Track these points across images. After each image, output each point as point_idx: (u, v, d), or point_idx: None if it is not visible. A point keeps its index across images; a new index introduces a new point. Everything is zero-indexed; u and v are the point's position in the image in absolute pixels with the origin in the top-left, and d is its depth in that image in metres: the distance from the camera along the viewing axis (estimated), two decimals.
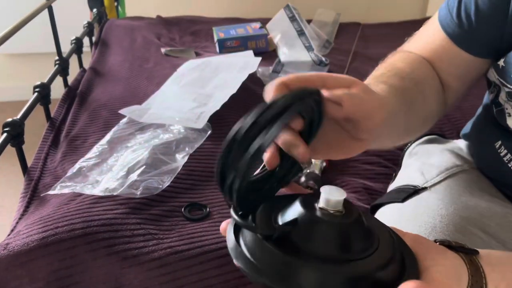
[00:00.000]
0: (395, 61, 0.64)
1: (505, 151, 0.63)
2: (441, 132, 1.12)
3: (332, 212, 0.36)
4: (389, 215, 0.66)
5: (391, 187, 0.77)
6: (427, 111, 0.63)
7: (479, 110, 0.76)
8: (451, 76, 0.67)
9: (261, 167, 0.43)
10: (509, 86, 0.59)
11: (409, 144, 0.83)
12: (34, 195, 0.91)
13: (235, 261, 0.37)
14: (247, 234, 0.38)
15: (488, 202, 0.62)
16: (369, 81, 0.56)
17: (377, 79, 0.55)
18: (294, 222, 0.36)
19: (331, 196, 0.36)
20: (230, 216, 0.39)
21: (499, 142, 0.64)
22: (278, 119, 0.36)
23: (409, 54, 0.67)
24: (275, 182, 0.43)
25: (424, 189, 0.66)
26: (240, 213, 0.39)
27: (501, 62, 0.60)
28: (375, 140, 0.48)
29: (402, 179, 0.74)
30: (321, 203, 0.37)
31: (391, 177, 0.92)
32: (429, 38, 0.68)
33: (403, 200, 0.66)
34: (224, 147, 0.37)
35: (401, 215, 0.63)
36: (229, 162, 0.37)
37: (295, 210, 0.37)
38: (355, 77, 0.46)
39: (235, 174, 0.37)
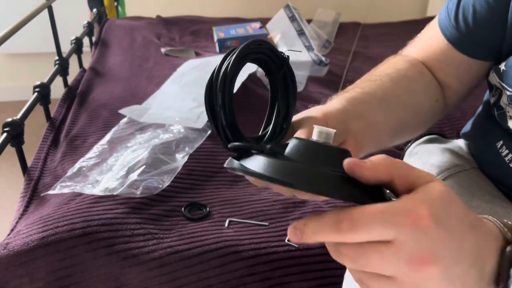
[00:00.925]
0: (378, 66, 0.66)
1: (507, 151, 0.63)
2: (441, 131, 1.12)
3: (322, 142, 0.40)
4: None
5: None
6: (415, 105, 0.63)
7: (480, 109, 0.76)
8: (449, 76, 0.68)
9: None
10: (510, 89, 0.59)
11: (409, 144, 0.83)
12: (34, 195, 0.91)
13: (228, 166, 0.41)
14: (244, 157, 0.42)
15: (488, 203, 0.62)
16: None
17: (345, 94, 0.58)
18: (285, 145, 0.40)
19: (323, 129, 0.40)
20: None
21: (501, 142, 0.64)
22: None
23: (396, 57, 0.69)
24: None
25: None
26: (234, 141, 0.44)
27: (502, 66, 0.60)
28: (362, 146, 0.52)
29: None
30: (314, 136, 0.40)
31: None
32: (428, 40, 0.69)
33: None
34: (205, 92, 0.45)
35: None
36: (213, 103, 0.45)
37: (289, 142, 0.41)
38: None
39: (220, 109, 0.44)
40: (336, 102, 0.54)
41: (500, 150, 0.64)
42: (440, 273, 0.32)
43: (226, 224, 0.80)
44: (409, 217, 0.32)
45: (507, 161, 0.63)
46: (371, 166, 0.34)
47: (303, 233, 0.34)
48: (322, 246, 0.75)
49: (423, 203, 0.32)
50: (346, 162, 0.35)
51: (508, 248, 0.34)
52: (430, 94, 0.67)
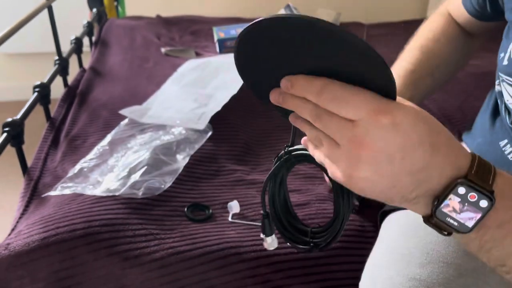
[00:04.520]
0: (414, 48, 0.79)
1: (511, 149, 0.63)
2: None
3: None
4: (403, 222, 0.65)
5: None
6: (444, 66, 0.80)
7: (482, 109, 0.76)
8: (472, 29, 0.80)
9: None
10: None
11: None
12: (34, 195, 0.90)
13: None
14: None
15: None
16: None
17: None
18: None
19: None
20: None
21: (505, 141, 0.64)
22: None
23: (431, 29, 0.81)
24: None
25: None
26: None
27: (504, 59, 0.61)
28: None
29: None
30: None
31: None
32: (455, 7, 0.80)
33: None
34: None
35: (417, 223, 0.62)
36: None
37: None
38: None
39: None
40: None
41: (503, 149, 0.64)
42: (369, 162, 0.39)
43: (230, 218, 0.81)
44: (376, 114, 0.39)
45: (511, 159, 0.62)
46: None
47: (294, 85, 0.42)
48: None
49: (398, 109, 0.39)
50: None
51: (458, 180, 0.39)
52: (458, 48, 0.81)
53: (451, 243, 0.57)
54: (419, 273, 0.53)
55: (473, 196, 0.39)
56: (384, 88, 0.40)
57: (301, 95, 0.42)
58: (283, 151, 0.57)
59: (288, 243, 0.59)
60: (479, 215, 0.39)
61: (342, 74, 0.40)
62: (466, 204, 0.39)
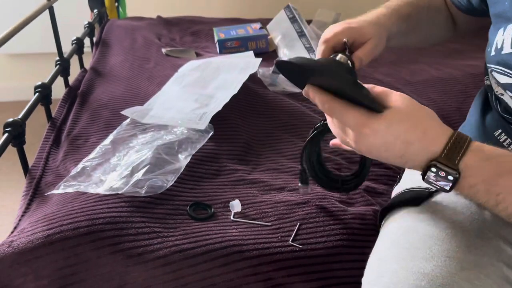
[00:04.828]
0: None
1: (505, 136, 0.66)
2: None
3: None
4: (404, 219, 0.66)
5: (397, 189, 0.78)
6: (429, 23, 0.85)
7: (474, 106, 0.78)
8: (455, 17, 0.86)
9: None
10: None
11: None
12: (36, 193, 0.91)
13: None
14: None
15: None
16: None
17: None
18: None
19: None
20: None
21: (499, 131, 0.67)
22: None
23: None
24: None
25: (436, 191, 0.67)
26: None
27: (491, 51, 0.64)
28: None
29: (410, 181, 0.74)
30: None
31: (393, 178, 0.92)
32: None
33: (419, 204, 0.67)
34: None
35: (418, 219, 0.64)
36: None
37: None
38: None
39: None
40: (370, 15, 0.80)
41: (498, 138, 0.67)
42: (366, 152, 0.57)
43: (232, 217, 0.81)
44: (359, 127, 0.55)
45: (506, 146, 0.64)
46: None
47: (308, 93, 0.60)
48: (325, 248, 0.77)
49: (375, 119, 0.54)
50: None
51: (431, 162, 0.53)
52: (441, 25, 0.87)
53: (453, 238, 0.58)
54: (423, 266, 0.54)
55: (442, 173, 0.52)
56: (369, 105, 0.55)
57: (312, 100, 0.60)
58: (319, 123, 0.77)
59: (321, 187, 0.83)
60: (450, 184, 0.53)
61: (341, 93, 0.57)
62: (438, 177, 0.53)
